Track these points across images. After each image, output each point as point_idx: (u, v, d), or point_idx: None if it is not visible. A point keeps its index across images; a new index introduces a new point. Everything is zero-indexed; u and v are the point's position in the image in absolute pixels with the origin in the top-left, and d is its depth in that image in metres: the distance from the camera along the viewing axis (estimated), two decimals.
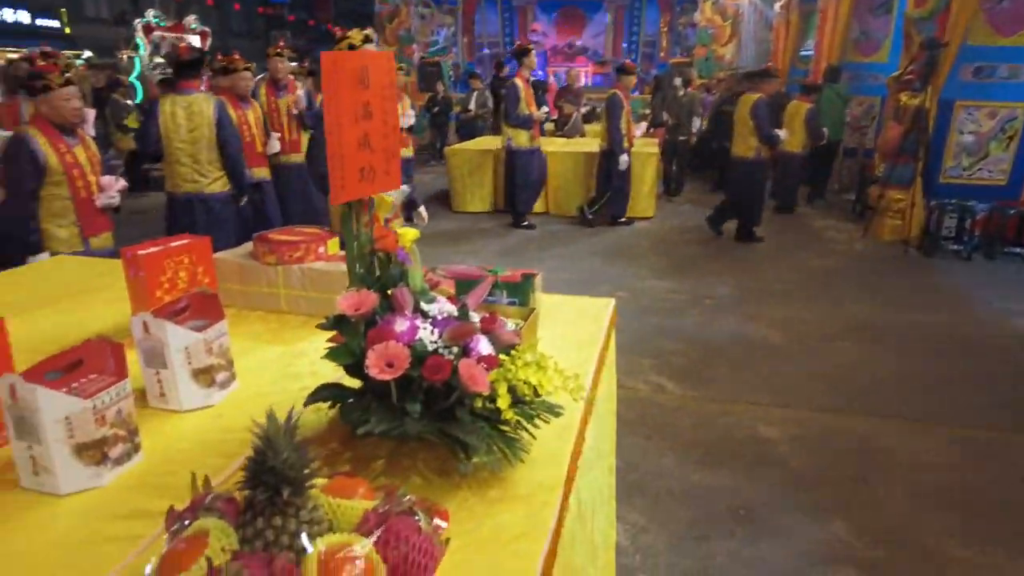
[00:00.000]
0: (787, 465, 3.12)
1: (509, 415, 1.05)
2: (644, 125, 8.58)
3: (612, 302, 1.98)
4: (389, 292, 1.11)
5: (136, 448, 1.14)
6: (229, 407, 1.36)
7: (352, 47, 2.95)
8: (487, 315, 1.24)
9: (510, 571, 0.91)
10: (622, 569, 2.44)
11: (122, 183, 3.48)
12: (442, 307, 1.15)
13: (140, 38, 7.46)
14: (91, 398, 1.04)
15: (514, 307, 1.56)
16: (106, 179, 3.41)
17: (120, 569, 0.88)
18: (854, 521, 2.72)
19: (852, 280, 5.97)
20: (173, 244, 1.72)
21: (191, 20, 7.97)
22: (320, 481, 0.89)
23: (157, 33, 7.58)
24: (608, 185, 7.58)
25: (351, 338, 1.08)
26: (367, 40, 2.99)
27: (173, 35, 7.80)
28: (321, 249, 1.87)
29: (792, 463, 3.13)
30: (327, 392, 1.09)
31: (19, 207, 3.09)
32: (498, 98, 11.42)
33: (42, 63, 3.47)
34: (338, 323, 1.09)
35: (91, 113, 4.04)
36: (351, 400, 1.08)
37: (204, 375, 1.33)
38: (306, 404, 1.10)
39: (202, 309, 1.38)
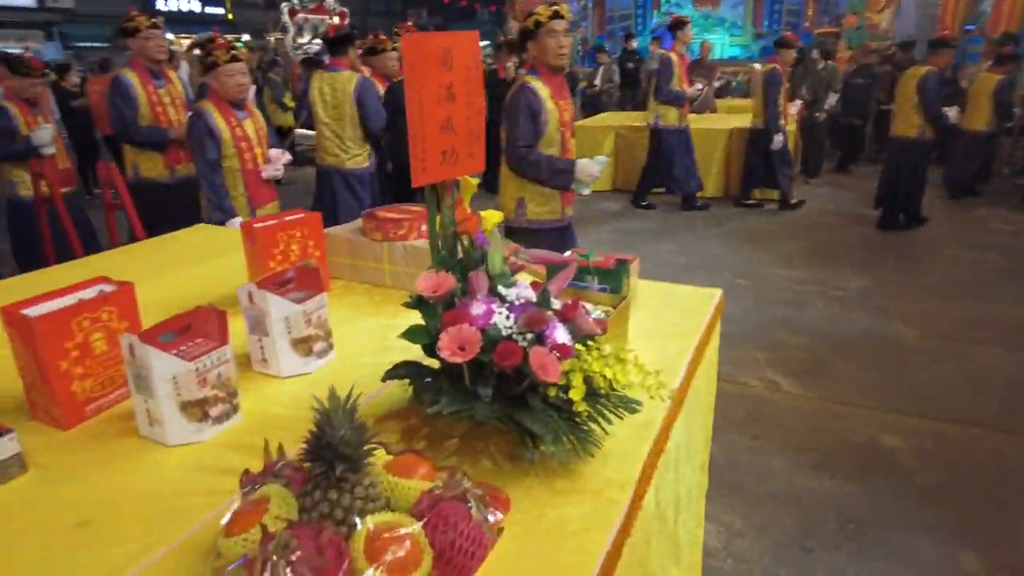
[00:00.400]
0: (910, 480, 2.83)
1: (581, 407, 1.03)
2: (799, 103, 7.96)
3: (718, 293, 1.88)
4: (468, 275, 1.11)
5: (235, 409, 1.24)
6: (324, 375, 1.44)
7: (539, 24, 2.97)
8: (569, 302, 1.22)
9: (568, 565, 0.89)
10: (711, 572, 2.34)
11: (287, 156, 3.62)
12: (520, 292, 1.13)
13: (286, 20, 8.02)
14: (194, 360, 1.13)
15: (604, 294, 1.51)
16: (274, 152, 3.56)
17: (207, 520, 0.96)
18: (987, 552, 2.43)
19: (1014, 278, 5.27)
20: (287, 218, 1.84)
21: (331, 1, 8.43)
22: (384, 457, 0.92)
23: (300, 15, 8.11)
24: (760, 165, 7.16)
25: (429, 319, 1.09)
26: (556, 16, 2.95)
27: (316, 16, 8.30)
28: (424, 227, 1.92)
29: (916, 478, 2.84)
30: (404, 369, 1.12)
31: (208, 176, 3.34)
32: (626, 73, 11.12)
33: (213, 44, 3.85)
34: (418, 303, 1.11)
35: (251, 89, 4.37)
36: (426, 379, 1.10)
37: (302, 344, 1.41)
38: (384, 379, 1.13)
39: (305, 282, 1.45)
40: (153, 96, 3.90)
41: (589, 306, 1.44)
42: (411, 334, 1.07)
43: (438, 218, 1.14)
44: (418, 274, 1.84)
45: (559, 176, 2.99)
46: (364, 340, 1.62)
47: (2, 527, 0.99)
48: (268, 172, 3.56)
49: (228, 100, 3.42)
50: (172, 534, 0.95)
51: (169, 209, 3.98)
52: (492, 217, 1.19)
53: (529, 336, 1.06)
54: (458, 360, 1.00)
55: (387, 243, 1.90)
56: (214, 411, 1.19)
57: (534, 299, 1.14)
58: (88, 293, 1.27)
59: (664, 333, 1.59)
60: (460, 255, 1.18)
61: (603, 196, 8.13)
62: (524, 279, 1.26)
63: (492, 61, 12.89)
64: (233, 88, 3.37)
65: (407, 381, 1.22)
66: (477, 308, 1.08)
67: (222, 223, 3.24)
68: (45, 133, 4.19)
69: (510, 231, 3.12)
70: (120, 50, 15.39)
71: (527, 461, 1.08)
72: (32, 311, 1.19)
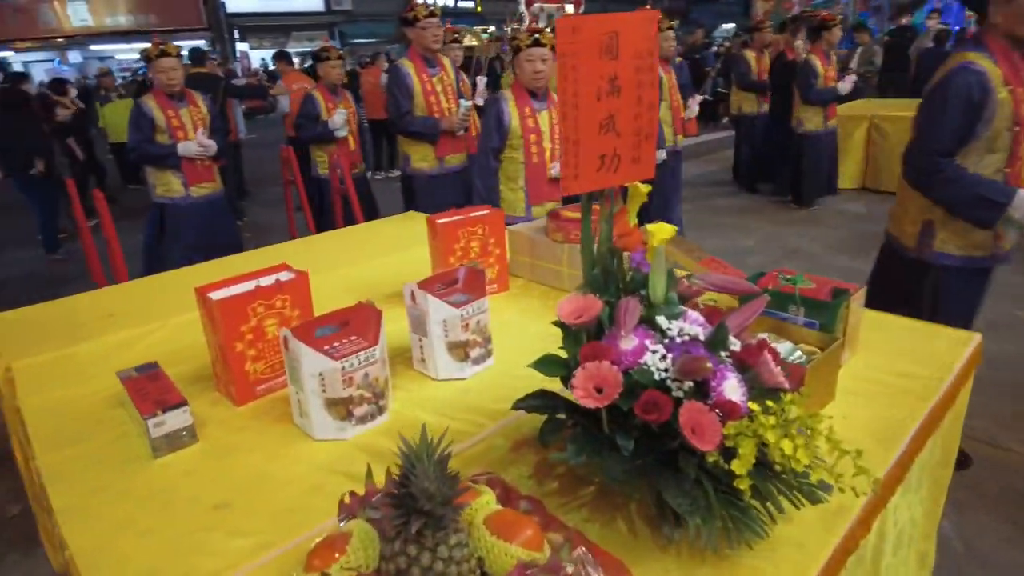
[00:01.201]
0: None
1: (744, 484, 0.81)
2: None
3: (975, 338, 1.45)
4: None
5: (381, 410, 1.21)
6: (477, 383, 1.37)
7: None
8: (753, 343, 0.99)
9: None
10: None
11: None
12: (686, 326, 0.93)
13: (522, 10, 8.25)
14: (341, 360, 1.12)
15: (812, 331, 1.23)
16: None
17: (320, 528, 0.93)
18: None
19: None
20: (470, 215, 1.81)
21: None
22: (489, 506, 0.80)
23: (537, 4, 8.27)
24: None
25: (570, 348, 0.95)
26: None
27: (552, 5, 8.41)
28: None
29: None
30: (537, 401, 0.99)
31: (483, 164, 3.13)
32: (894, 52, 9.59)
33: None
34: (562, 328, 0.97)
35: (482, 80, 4.54)
36: (558, 417, 0.96)
37: (458, 349, 1.35)
38: (514, 407, 1.01)
39: (470, 284, 1.40)
40: (427, 84, 3.81)
41: (787, 347, 1.18)
42: (544, 364, 0.94)
43: (594, 230, 0.99)
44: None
45: (983, 208, 2.04)
46: (529, 347, 1.50)
47: (162, 495, 1.06)
48: (554, 171, 3.08)
49: (527, 88, 3.07)
50: (289, 535, 0.95)
51: (438, 203, 3.57)
52: (661, 232, 1.00)
53: (688, 385, 0.87)
54: (591, 404, 0.85)
55: (567, 244, 1.78)
56: (358, 411, 1.18)
57: (703, 336, 0.94)
58: (266, 280, 1.33)
59: (890, 388, 1.26)
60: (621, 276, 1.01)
61: (847, 196, 7.14)
62: (707, 301, 1.05)
63: (733, 44, 11.96)
64: (530, 75, 3.01)
65: None
66: (627, 343, 0.91)
67: None
68: (339, 118, 4.58)
69: (907, 264, 2.28)
70: (390, 43, 17.28)
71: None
72: (216, 294, 1.28)
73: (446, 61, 3.95)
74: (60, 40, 17.64)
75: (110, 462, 1.16)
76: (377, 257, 2.26)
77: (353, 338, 1.18)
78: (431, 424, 1.20)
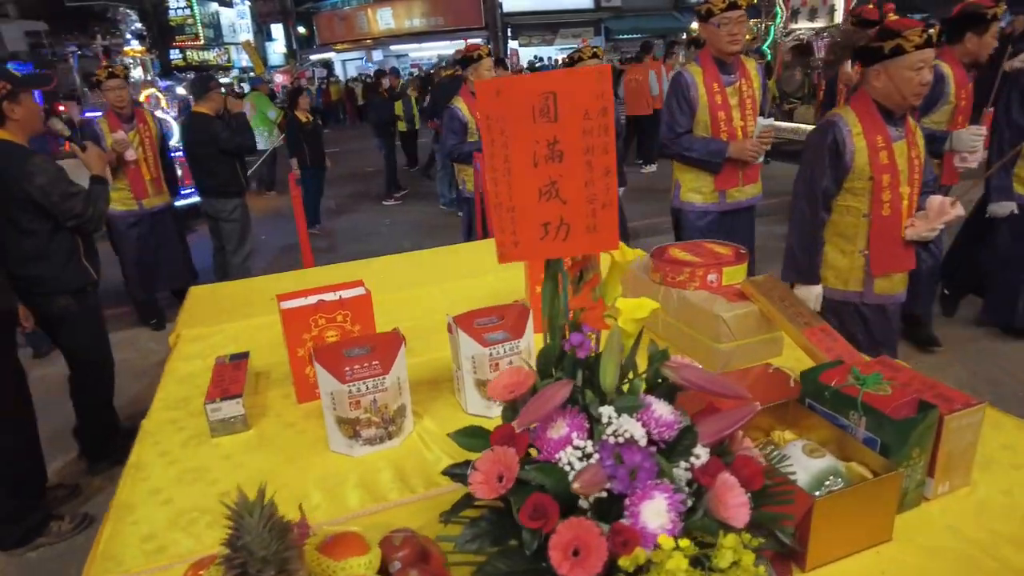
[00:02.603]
0: None
1: None
2: None
3: None
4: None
5: (390, 435, 1.26)
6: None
7: None
8: (740, 456, 0.83)
9: None
10: None
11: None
12: (630, 426, 0.80)
13: (779, 6, 7.48)
14: (347, 384, 1.19)
15: (869, 450, 0.97)
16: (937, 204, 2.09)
17: None
18: None
19: None
20: None
21: None
22: (365, 568, 0.80)
23: None
24: None
25: (508, 421, 0.88)
26: None
27: None
28: (711, 277, 1.57)
29: None
30: (459, 469, 0.93)
31: (810, 215, 2.17)
32: None
33: None
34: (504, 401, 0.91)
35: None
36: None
37: (483, 387, 1.33)
38: (443, 473, 0.96)
39: (513, 323, 1.37)
40: (716, 96, 2.84)
41: (825, 463, 0.95)
42: (465, 435, 0.89)
43: (553, 297, 0.90)
44: (686, 332, 1.55)
45: None
46: None
47: (197, 473, 1.24)
48: (914, 232, 2.12)
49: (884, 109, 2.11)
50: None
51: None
52: (634, 311, 0.87)
53: (593, 498, 0.76)
54: (481, 493, 0.79)
55: (663, 287, 1.63)
56: (365, 433, 1.23)
57: (645, 437, 0.80)
58: (330, 296, 1.45)
59: (988, 561, 0.94)
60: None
61: None
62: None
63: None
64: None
65: None
66: (556, 431, 0.82)
67: None
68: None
69: None
70: (657, 38, 17.10)
71: None
72: (288, 303, 1.43)
73: (750, 66, 2.94)
74: (368, 41, 20.73)
75: (187, 432, 1.39)
76: (489, 274, 2.25)
77: (375, 363, 1.24)
78: (435, 461, 1.21)
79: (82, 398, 2.61)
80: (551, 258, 0.84)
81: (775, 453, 0.96)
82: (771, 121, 2.93)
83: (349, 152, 12.09)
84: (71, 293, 2.43)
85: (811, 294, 2.20)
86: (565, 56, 4.14)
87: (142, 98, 7.80)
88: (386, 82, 9.57)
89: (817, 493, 0.93)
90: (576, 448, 0.80)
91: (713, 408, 0.93)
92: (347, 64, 22.24)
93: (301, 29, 27.41)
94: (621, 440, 0.80)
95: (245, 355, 1.55)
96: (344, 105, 18.65)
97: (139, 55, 8.49)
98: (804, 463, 0.96)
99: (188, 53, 30.36)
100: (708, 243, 1.74)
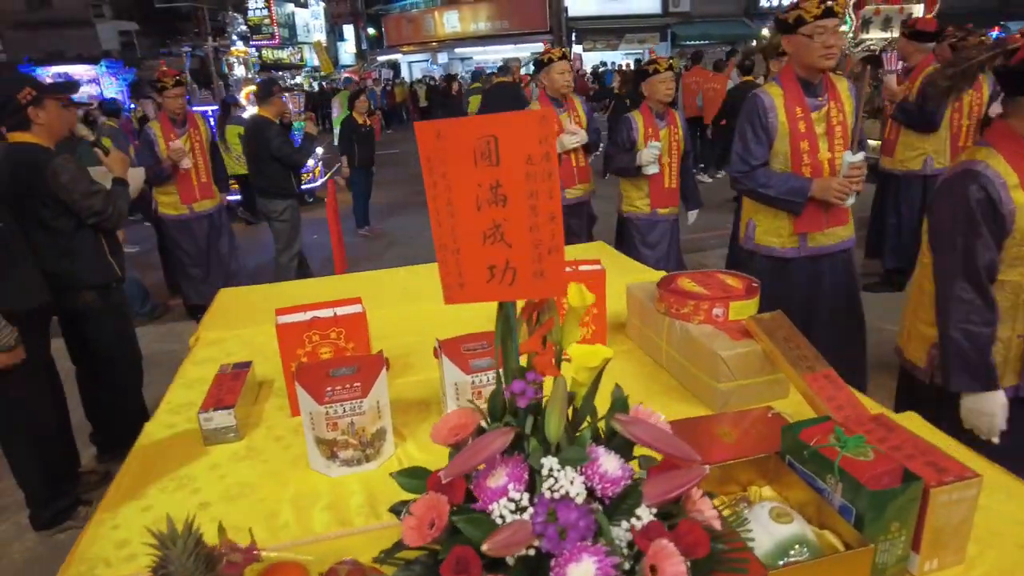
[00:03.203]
0: None
1: None
2: None
3: None
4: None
5: (368, 458, 1.26)
6: None
7: None
8: (684, 521, 0.79)
9: None
10: None
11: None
12: (568, 482, 0.78)
13: (849, 15, 7.16)
14: (325, 405, 1.20)
15: (843, 522, 0.90)
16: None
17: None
18: None
19: None
20: (580, 268, 1.71)
21: None
22: None
23: (869, 7, 7.12)
24: None
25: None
26: None
27: (891, 6, 7.14)
28: (717, 311, 1.51)
29: None
30: (402, 505, 0.91)
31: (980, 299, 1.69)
32: None
33: None
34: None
35: None
36: None
37: None
38: (390, 510, 0.94)
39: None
40: (799, 122, 2.35)
41: (790, 530, 0.90)
42: (406, 475, 0.87)
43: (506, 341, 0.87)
44: (686, 366, 1.50)
45: None
46: None
47: (184, 480, 1.27)
48: None
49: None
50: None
51: (781, 294, 2.47)
52: (587, 359, 0.84)
53: (515, 556, 0.73)
54: (410, 539, 0.77)
55: (668, 319, 1.58)
56: (343, 454, 1.24)
57: (582, 494, 0.77)
58: (325, 312, 1.47)
59: None
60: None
61: None
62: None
63: None
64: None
65: None
66: (494, 480, 0.80)
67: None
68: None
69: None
70: (724, 44, 16.69)
71: None
72: (284, 318, 1.45)
73: (841, 87, 2.43)
74: (433, 44, 21.06)
75: (186, 438, 1.43)
76: None
77: (355, 385, 1.24)
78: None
79: (99, 389, 2.74)
80: (501, 300, 0.82)
81: (739, 515, 0.91)
82: (861, 156, 2.34)
83: (409, 154, 12.30)
84: (95, 288, 2.55)
85: (995, 405, 1.63)
86: (539, 56, 3.87)
87: (243, 95, 8.21)
88: (456, 86, 9.72)
89: (781, 563, 0.88)
90: (511, 500, 0.78)
91: (671, 464, 0.89)
92: (413, 66, 22.66)
93: (371, 30, 28.13)
94: (557, 496, 0.77)
95: (247, 365, 1.59)
96: (408, 106, 19.02)
97: (242, 55, 9.01)
98: (769, 528, 0.90)
99: (264, 52, 31.67)
100: (721, 274, 1.68)
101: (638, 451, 0.85)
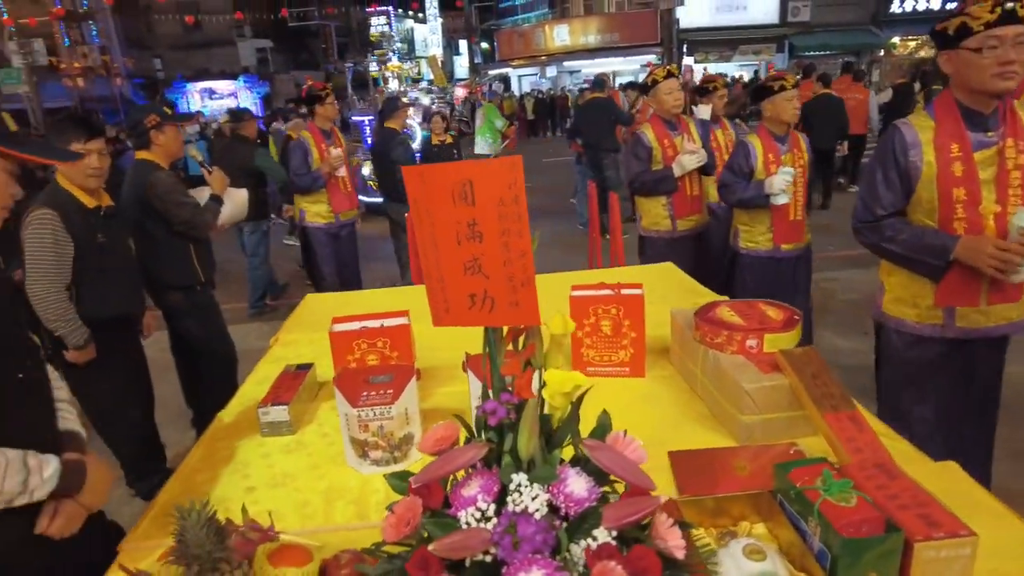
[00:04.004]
0: None
1: None
2: None
3: None
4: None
5: (396, 460, 1.38)
6: None
7: None
8: (639, 547, 0.83)
9: None
10: None
11: None
12: (531, 497, 0.84)
13: None
14: (357, 408, 1.32)
15: (817, 567, 0.90)
16: None
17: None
18: None
19: None
20: (603, 291, 1.74)
21: None
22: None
23: None
24: None
25: None
26: None
27: None
28: (751, 342, 1.51)
29: None
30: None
31: None
32: None
33: None
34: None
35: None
36: None
37: None
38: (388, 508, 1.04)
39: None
40: (954, 164, 1.85)
41: (760, 567, 0.91)
42: (397, 478, 0.96)
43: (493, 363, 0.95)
44: (716, 396, 1.50)
45: None
46: None
47: (240, 466, 1.44)
48: None
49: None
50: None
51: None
52: (560, 385, 0.90)
53: (470, 560, 0.81)
54: (388, 535, 0.87)
55: (702, 347, 1.58)
56: (373, 454, 1.36)
57: (542, 512, 0.83)
58: (373, 323, 1.60)
59: None
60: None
61: None
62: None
63: None
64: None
65: None
66: (468, 489, 0.88)
67: None
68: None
69: None
70: (846, 55, 15.77)
71: None
72: (338, 327, 1.61)
73: None
74: (543, 57, 21.37)
75: (249, 429, 1.60)
76: None
77: (387, 392, 1.36)
78: None
79: (194, 379, 3.09)
80: (482, 326, 0.90)
81: (710, 548, 0.93)
82: None
83: None
84: (180, 289, 2.87)
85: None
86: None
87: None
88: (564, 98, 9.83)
89: None
90: (478, 509, 0.85)
91: (639, 490, 0.93)
92: (523, 79, 23.13)
93: (484, 45, 28.99)
94: (519, 509, 0.84)
95: (309, 366, 1.76)
96: (516, 118, 19.43)
97: (397, 70, 9.85)
98: (740, 563, 0.92)
99: (384, 66, 33.52)
100: (762, 303, 1.66)
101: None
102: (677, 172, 3.41)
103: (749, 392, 1.38)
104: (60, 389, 1.37)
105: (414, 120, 8.51)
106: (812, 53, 18.47)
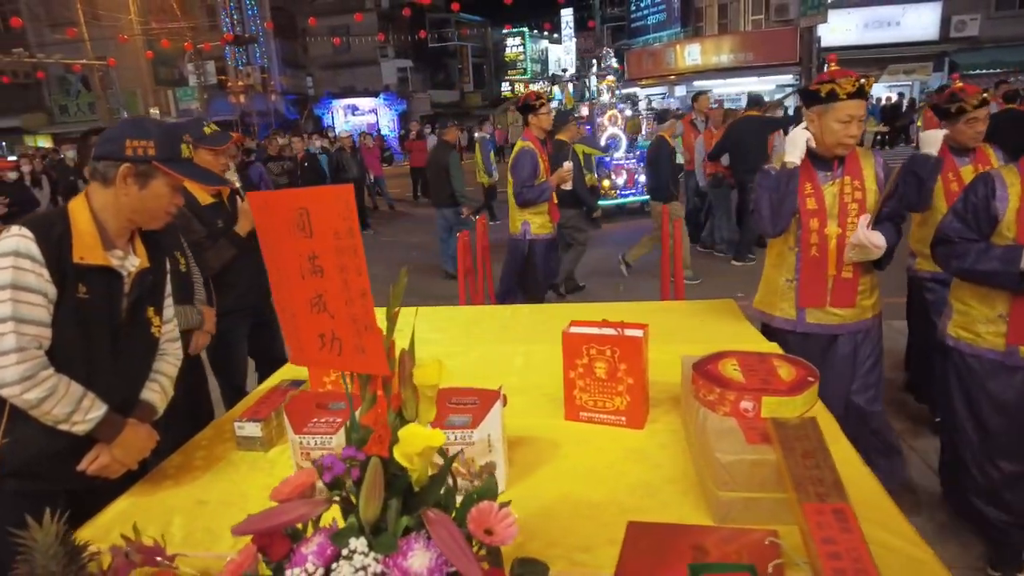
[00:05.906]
0: None
1: None
2: None
3: None
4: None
5: None
6: None
7: None
8: None
9: None
10: None
11: None
12: (365, 568, 0.75)
13: None
14: (299, 435, 1.29)
15: None
16: None
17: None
18: None
19: None
20: (604, 330, 1.59)
21: None
22: None
23: None
24: None
25: None
26: None
27: None
28: (746, 405, 1.31)
29: None
30: None
31: None
32: None
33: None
34: None
35: None
36: None
37: None
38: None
39: (481, 410, 1.32)
40: None
41: None
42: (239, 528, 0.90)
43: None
44: (699, 461, 1.32)
45: None
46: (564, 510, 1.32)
47: (204, 476, 1.46)
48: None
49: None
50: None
51: None
52: (411, 443, 0.80)
53: None
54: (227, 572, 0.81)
55: (696, 404, 1.40)
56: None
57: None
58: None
59: None
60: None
61: None
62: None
63: None
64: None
65: None
66: (307, 546, 0.81)
67: None
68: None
69: None
70: (1014, 73, 13.84)
71: None
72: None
73: None
74: (672, 77, 20.84)
75: (231, 441, 1.62)
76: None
77: (339, 420, 1.32)
78: None
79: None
80: (330, 369, 0.82)
81: None
82: None
83: None
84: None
85: None
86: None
87: (605, 118, 9.62)
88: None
89: None
90: (305, 571, 0.78)
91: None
92: (652, 99, 22.67)
93: (615, 64, 28.80)
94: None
95: (301, 383, 1.75)
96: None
97: (611, 84, 10.44)
98: None
99: (516, 86, 34.33)
100: (777, 358, 1.44)
101: None
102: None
103: (724, 465, 1.19)
104: (171, 365, 1.59)
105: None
106: (980, 71, 16.51)
